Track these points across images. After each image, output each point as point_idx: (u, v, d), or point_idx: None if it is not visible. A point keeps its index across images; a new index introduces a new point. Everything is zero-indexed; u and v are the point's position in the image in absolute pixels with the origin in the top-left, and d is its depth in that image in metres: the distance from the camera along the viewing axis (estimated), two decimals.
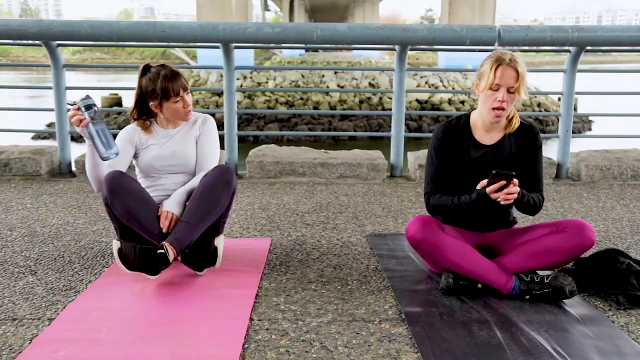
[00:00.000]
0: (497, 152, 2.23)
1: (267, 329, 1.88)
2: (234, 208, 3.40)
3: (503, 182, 2.00)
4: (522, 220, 3.13)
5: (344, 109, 19.23)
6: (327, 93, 19.42)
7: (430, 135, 2.35)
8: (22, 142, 5.59)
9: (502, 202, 2.03)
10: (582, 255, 2.30)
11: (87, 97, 2.14)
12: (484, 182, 2.05)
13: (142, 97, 2.39)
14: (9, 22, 4.22)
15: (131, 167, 2.46)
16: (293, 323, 1.93)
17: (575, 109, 4.62)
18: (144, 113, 2.43)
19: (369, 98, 19.68)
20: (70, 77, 4.65)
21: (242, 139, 7.71)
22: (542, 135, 2.33)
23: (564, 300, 2.11)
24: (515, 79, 2.08)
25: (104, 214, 3.18)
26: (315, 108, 19.15)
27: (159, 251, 2.09)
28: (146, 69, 2.38)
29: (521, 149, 2.24)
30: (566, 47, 4.23)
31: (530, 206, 2.16)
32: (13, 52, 59.54)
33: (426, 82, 21.51)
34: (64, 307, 2.04)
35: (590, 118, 19.67)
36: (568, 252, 2.10)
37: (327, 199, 3.70)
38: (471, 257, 2.13)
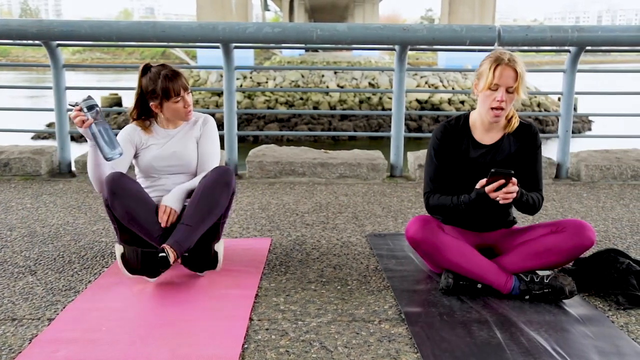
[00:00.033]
0: (496, 151, 2.23)
1: (267, 329, 1.88)
2: (234, 208, 3.40)
3: (502, 181, 2.00)
4: (522, 220, 3.13)
5: (343, 109, 19.23)
6: (327, 93, 19.43)
7: (430, 135, 2.35)
8: (22, 142, 5.59)
9: (501, 202, 2.03)
10: (582, 255, 2.30)
11: (89, 97, 2.13)
12: (483, 181, 2.05)
13: (143, 97, 2.38)
14: (8, 22, 4.22)
15: (131, 167, 2.45)
16: (293, 323, 1.93)
17: (575, 109, 4.62)
18: (144, 113, 2.42)
19: (368, 98, 19.68)
20: (70, 77, 4.65)
21: (242, 139, 7.71)
22: (542, 135, 2.34)
23: (563, 301, 2.11)
24: (514, 79, 2.08)
25: (103, 214, 3.18)
26: (315, 108, 19.15)
27: (160, 255, 2.08)
28: (146, 68, 2.37)
29: (520, 148, 2.24)
30: (566, 47, 4.23)
31: (530, 205, 2.16)
32: (13, 52, 59.54)
33: (426, 82, 21.52)
34: (64, 307, 2.04)
35: (590, 118, 19.68)
36: (568, 252, 2.10)
37: (327, 199, 3.70)
38: (471, 257, 2.13)
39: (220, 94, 17.73)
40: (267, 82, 20.86)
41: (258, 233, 2.97)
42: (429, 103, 19.65)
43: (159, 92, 2.31)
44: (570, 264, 2.36)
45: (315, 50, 31.66)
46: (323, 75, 21.23)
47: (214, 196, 2.24)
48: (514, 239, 2.26)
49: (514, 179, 2.01)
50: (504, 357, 1.71)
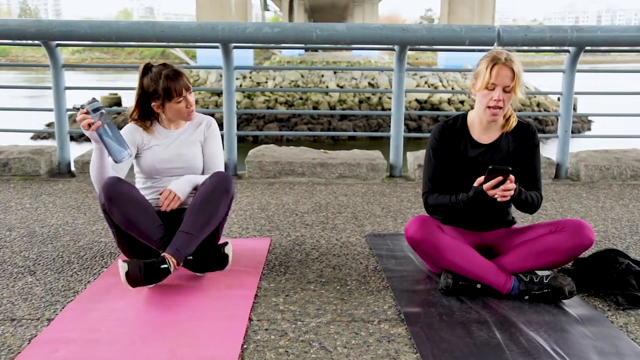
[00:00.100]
0: (494, 151, 2.23)
1: (266, 330, 1.88)
2: (233, 208, 3.39)
3: (500, 179, 2.00)
4: (522, 220, 3.13)
5: (343, 109, 19.23)
6: (326, 93, 19.42)
7: (429, 135, 2.35)
8: (21, 142, 5.59)
9: (499, 199, 2.03)
10: (581, 256, 2.30)
11: (94, 99, 2.10)
12: (481, 179, 2.05)
13: (144, 97, 2.34)
14: (8, 22, 4.22)
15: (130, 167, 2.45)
16: (292, 323, 1.93)
17: (574, 109, 4.62)
18: (145, 113, 2.39)
19: (368, 98, 19.68)
20: (70, 77, 4.64)
21: (241, 139, 7.71)
22: (541, 135, 2.34)
23: (563, 301, 2.11)
24: (511, 78, 2.08)
25: (102, 215, 3.18)
26: (314, 108, 19.16)
27: (162, 266, 2.08)
28: (147, 68, 2.33)
29: (519, 147, 2.24)
30: (565, 47, 4.23)
31: (529, 204, 2.16)
32: (12, 51, 59.51)
33: (425, 82, 21.53)
34: (63, 308, 2.04)
35: (590, 118, 19.68)
36: (567, 252, 2.11)
37: (327, 199, 3.70)
38: (470, 257, 2.13)
39: (219, 94, 17.74)
40: (266, 82, 20.86)
41: (257, 233, 2.97)
42: (428, 103, 19.66)
43: (160, 93, 2.28)
44: (570, 264, 2.36)
45: (315, 50, 31.67)
46: (323, 75, 21.24)
47: (213, 203, 2.22)
48: (513, 239, 2.26)
49: (512, 176, 2.01)
50: (503, 358, 1.71)
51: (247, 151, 4.56)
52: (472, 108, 2.28)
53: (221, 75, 4.52)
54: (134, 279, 2.04)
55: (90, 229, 3.00)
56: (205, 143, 2.47)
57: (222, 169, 2.48)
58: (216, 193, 2.24)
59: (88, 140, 2.24)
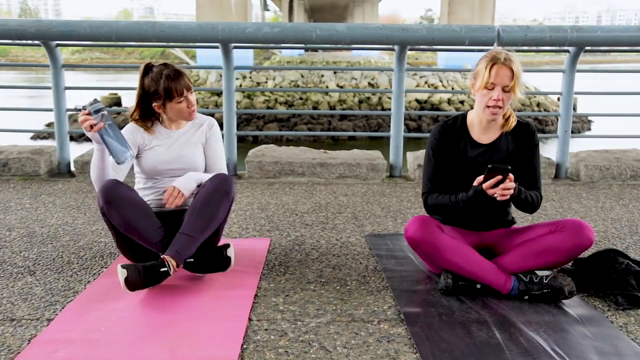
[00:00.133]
0: (494, 151, 2.23)
1: (266, 330, 1.88)
2: (233, 208, 3.39)
3: (499, 177, 2.00)
4: (521, 220, 3.13)
5: (343, 109, 19.23)
6: (326, 93, 19.42)
7: (429, 135, 2.35)
8: (21, 142, 5.59)
9: (498, 198, 2.03)
10: (581, 256, 2.30)
11: (96, 100, 2.09)
12: (480, 178, 2.05)
13: (144, 97, 2.33)
14: (7, 22, 4.22)
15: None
16: (292, 323, 1.93)
17: (574, 109, 4.62)
18: (146, 113, 2.37)
19: (368, 98, 19.68)
20: (70, 77, 4.64)
21: (241, 139, 7.71)
22: (541, 135, 2.34)
23: (562, 301, 2.11)
24: (510, 78, 2.08)
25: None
26: (314, 108, 19.16)
27: (162, 269, 2.08)
28: (148, 68, 2.32)
29: (518, 147, 2.24)
30: (565, 47, 4.23)
31: (529, 203, 2.16)
32: (12, 51, 59.51)
33: (425, 82, 21.53)
34: (63, 308, 2.04)
35: (590, 118, 19.68)
36: (567, 252, 2.11)
37: (326, 199, 3.70)
38: (470, 257, 2.13)
39: (219, 94, 17.74)
40: (266, 82, 20.86)
41: (257, 233, 2.97)
42: (428, 103, 19.66)
43: (161, 93, 2.27)
44: (570, 264, 2.36)
45: (315, 50, 31.67)
46: (322, 75, 21.23)
47: (214, 205, 2.22)
48: (513, 239, 2.26)
49: (511, 175, 2.01)
50: (503, 358, 1.71)
51: (247, 151, 4.56)
52: (472, 108, 2.28)
53: (221, 75, 4.52)
54: (132, 284, 2.03)
55: (90, 229, 3.00)
56: (207, 144, 2.46)
57: (225, 170, 2.48)
58: (216, 195, 2.23)
59: (88, 140, 2.24)
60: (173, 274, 2.11)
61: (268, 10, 63.15)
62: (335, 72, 21.43)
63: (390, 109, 4.45)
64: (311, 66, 24.56)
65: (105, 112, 2.09)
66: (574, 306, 2.08)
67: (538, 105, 20.45)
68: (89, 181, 4.09)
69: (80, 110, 2.08)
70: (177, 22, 4.39)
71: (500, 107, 2.12)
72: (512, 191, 2.02)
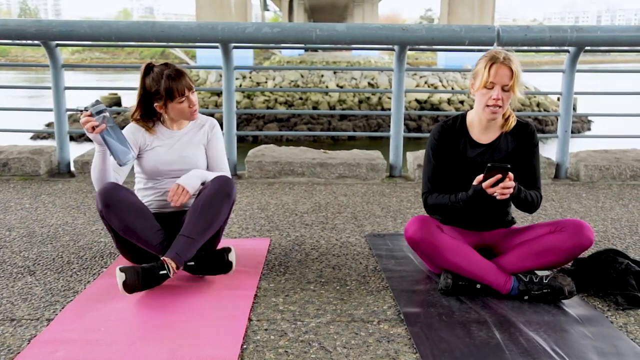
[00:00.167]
0: (494, 151, 2.23)
1: (266, 330, 1.88)
2: (233, 209, 3.39)
3: (499, 176, 2.00)
4: (521, 220, 3.13)
5: (343, 109, 19.23)
6: (326, 93, 19.42)
7: (429, 135, 2.35)
8: (21, 142, 5.59)
9: (498, 197, 2.02)
10: (581, 256, 2.30)
11: (98, 102, 2.09)
12: (480, 177, 2.05)
13: (146, 97, 2.31)
14: (7, 22, 4.22)
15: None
16: (292, 323, 1.93)
17: (574, 109, 4.62)
18: (147, 113, 2.36)
19: (368, 98, 19.68)
20: (69, 77, 4.64)
21: (241, 139, 7.71)
22: (541, 135, 2.34)
23: (562, 301, 2.11)
24: (509, 77, 2.08)
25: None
26: (314, 108, 19.16)
27: (161, 272, 2.08)
28: (149, 68, 2.30)
29: (518, 147, 2.24)
30: (565, 47, 4.23)
31: (528, 203, 2.16)
32: (12, 51, 59.50)
33: (425, 82, 21.53)
34: (63, 308, 2.04)
35: (590, 118, 19.70)
36: (567, 252, 2.11)
37: (326, 199, 3.70)
38: (470, 257, 2.13)
39: (219, 94, 17.73)
40: (266, 82, 20.86)
41: (257, 233, 2.97)
42: (428, 103, 19.67)
43: (162, 93, 2.25)
44: (569, 264, 2.36)
45: (315, 50, 31.67)
46: (322, 75, 21.23)
47: (215, 207, 2.21)
48: (513, 239, 2.26)
49: (511, 174, 2.01)
50: (502, 358, 1.71)
51: (246, 151, 4.56)
52: (471, 108, 2.28)
53: (221, 75, 4.52)
54: (131, 287, 2.04)
55: (90, 229, 3.00)
56: (208, 145, 2.45)
57: (228, 170, 2.47)
58: (218, 197, 2.22)
59: (88, 140, 2.24)
60: (173, 275, 2.11)
61: (268, 10, 63.17)
62: (335, 72, 21.43)
63: (390, 109, 4.45)
64: (311, 66, 24.56)
65: (107, 114, 2.09)
66: (573, 306, 2.08)
67: (538, 105, 20.46)
68: (88, 181, 4.09)
69: (82, 111, 2.07)
70: (177, 22, 4.39)
71: (500, 107, 2.12)
72: (511, 190, 2.02)
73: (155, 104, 2.31)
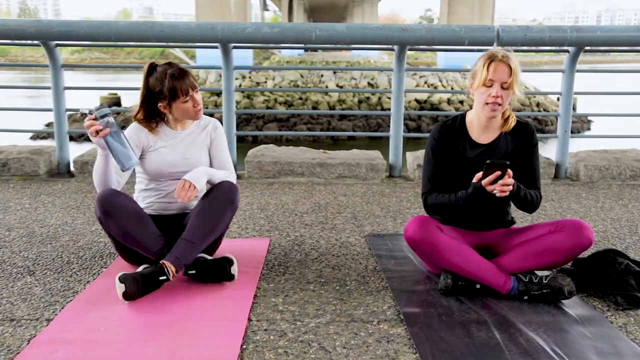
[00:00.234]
0: (493, 151, 2.23)
1: (266, 330, 1.88)
2: None
3: (498, 173, 2.00)
4: (521, 220, 3.13)
5: (343, 109, 19.23)
6: (326, 93, 19.42)
7: (429, 135, 2.35)
8: (21, 142, 5.58)
9: (497, 194, 2.02)
10: (581, 256, 2.30)
11: (102, 105, 2.06)
12: (479, 174, 2.05)
13: (149, 97, 2.29)
14: (7, 22, 4.22)
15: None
16: (291, 324, 1.93)
17: (574, 109, 4.63)
18: (151, 114, 2.33)
19: (367, 98, 19.68)
20: (69, 77, 4.64)
21: (240, 139, 7.70)
22: (540, 135, 2.34)
23: (562, 301, 2.11)
24: (508, 75, 2.08)
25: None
26: (314, 108, 19.17)
27: (160, 277, 2.08)
28: (152, 68, 2.28)
29: (517, 147, 2.24)
30: (565, 47, 4.23)
31: (528, 201, 2.16)
32: (11, 51, 59.48)
33: (425, 82, 21.54)
34: (62, 308, 2.04)
35: (589, 118, 19.70)
36: (566, 252, 2.11)
37: (326, 199, 3.70)
38: (469, 257, 2.13)
39: (219, 94, 17.72)
40: (266, 82, 20.86)
41: (257, 233, 2.97)
42: (428, 103, 19.67)
43: (166, 93, 2.23)
44: (569, 264, 2.36)
45: (315, 50, 31.67)
46: (322, 75, 21.23)
47: (218, 213, 2.21)
48: (512, 239, 2.26)
49: (510, 171, 2.01)
50: (502, 358, 1.71)
51: (246, 151, 4.56)
52: (471, 108, 2.28)
53: (220, 75, 4.52)
54: (131, 296, 2.04)
55: (90, 229, 3.00)
56: (212, 146, 2.43)
57: (233, 169, 2.45)
58: (221, 203, 2.22)
59: (87, 140, 2.23)
60: (172, 278, 2.10)
61: (267, 10, 63.19)
62: (334, 72, 21.43)
63: (389, 109, 4.45)
64: (311, 66, 24.55)
65: (112, 118, 2.07)
66: (573, 306, 2.08)
67: (538, 105, 20.46)
68: (88, 181, 4.09)
69: (85, 114, 2.06)
70: (177, 22, 4.39)
71: (499, 105, 2.12)
72: (511, 187, 2.02)
73: (159, 104, 2.28)
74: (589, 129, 19.39)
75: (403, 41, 4.14)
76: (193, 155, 2.37)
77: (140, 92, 2.31)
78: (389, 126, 4.51)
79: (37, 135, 15.61)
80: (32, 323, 1.93)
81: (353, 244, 2.80)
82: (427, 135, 2.40)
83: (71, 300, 2.10)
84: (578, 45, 4.13)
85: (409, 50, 4.46)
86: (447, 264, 2.14)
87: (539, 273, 2.19)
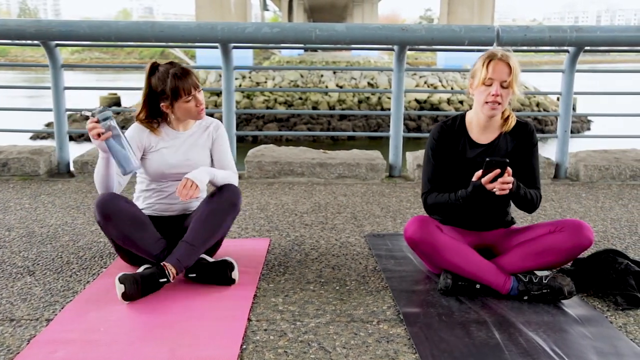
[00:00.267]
0: (493, 151, 2.23)
1: (266, 330, 1.88)
2: None
3: (497, 171, 2.00)
4: (521, 220, 3.13)
5: (342, 109, 19.23)
6: (326, 93, 19.42)
7: (429, 135, 2.35)
8: (21, 142, 5.58)
9: (497, 192, 2.02)
10: (581, 256, 2.30)
11: (105, 108, 2.06)
12: (479, 173, 2.05)
13: (151, 97, 2.27)
14: (7, 22, 4.22)
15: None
16: (291, 324, 1.93)
17: (574, 109, 4.63)
18: (153, 114, 2.32)
19: (367, 98, 19.68)
20: (69, 77, 4.64)
21: (240, 139, 7.71)
22: (540, 135, 2.34)
23: (562, 301, 2.11)
24: (507, 73, 2.08)
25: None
26: (314, 108, 19.16)
27: (160, 280, 2.08)
28: (154, 68, 2.26)
29: (517, 146, 2.24)
30: (565, 47, 4.24)
31: (528, 201, 2.16)
32: (11, 51, 59.48)
33: (425, 82, 21.54)
34: (62, 308, 2.04)
35: (589, 118, 19.70)
36: (566, 252, 2.11)
37: (326, 199, 3.70)
38: (469, 257, 2.13)
39: (219, 94, 17.71)
40: (266, 82, 20.86)
41: (257, 233, 2.97)
42: (428, 103, 19.67)
43: (168, 92, 2.21)
44: (569, 264, 2.36)
45: (314, 50, 31.66)
46: (322, 75, 21.23)
47: (220, 217, 2.21)
48: (512, 239, 2.26)
49: (509, 169, 2.01)
50: (502, 358, 1.71)
51: (246, 151, 4.56)
52: (471, 108, 2.28)
53: (220, 75, 4.52)
54: (130, 297, 2.04)
55: (90, 229, 3.00)
56: (214, 146, 2.42)
57: (235, 169, 2.44)
58: (224, 207, 2.22)
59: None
60: (173, 280, 2.10)
61: (267, 10, 63.19)
62: (334, 72, 21.43)
63: (389, 109, 4.45)
64: (310, 66, 24.55)
65: (114, 122, 2.06)
66: (573, 306, 2.08)
67: (537, 105, 20.46)
68: (88, 181, 4.09)
69: (87, 117, 2.04)
70: (177, 22, 4.39)
71: (499, 103, 2.11)
72: (510, 185, 2.02)
73: (162, 104, 2.26)
74: (588, 129, 19.39)
75: (403, 41, 4.14)
76: (195, 156, 2.36)
77: (143, 92, 2.29)
78: (388, 126, 4.51)
79: (37, 135, 15.61)
80: (31, 323, 1.93)
81: (353, 244, 2.80)
82: (427, 135, 2.40)
83: (71, 301, 2.10)
84: (578, 45, 4.13)
85: (409, 50, 4.46)
86: (447, 264, 2.14)
87: (539, 273, 2.19)
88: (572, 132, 4.43)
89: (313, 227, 3.08)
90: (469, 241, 2.28)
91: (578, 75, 4.37)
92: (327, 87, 20.48)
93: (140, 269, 2.17)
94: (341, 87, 20.64)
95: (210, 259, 2.29)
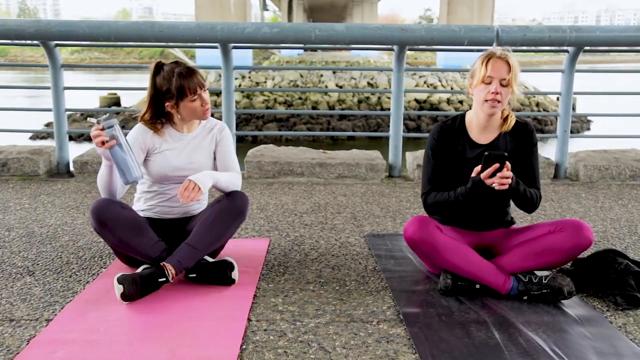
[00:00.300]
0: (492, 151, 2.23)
1: (265, 330, 1.88)
2: None
3: (497, 166, 2.00)
4: (521, 220, 3.13)
5: (342, 109, 19.23)
6: (325, 93, 19.42)
7: (428, 135, 2.35)
8: (20, 142, 5.58)
9: (497, 187, 2.02)
10: (580, 256, 2.30)
11: (110, 116, 2.03)
12: (478, 168, 2.05)
13: (157, 96, 2.24)
14: (6, 22, 4.22)
15: None
16: (291, 324, 1.93)
17: (573, 109, 4.63)
18: (158, 114, 2.29)
19: (367, 98, 19.69)
20: (69, 77, 4.64)
21: (240, 139, 7.70)
22: (540, 135, 2.34)
23: (562, 301, 2.11)
24: (507, 71, 2.09)
25: None
26: (313, 108, 19.17)
27: (160, 279, 2.07)
28: (159, 67, 2.24)
29: (517, 146, 2.24)
30: (564, 47, 4.24)
31: (528, 199, 2.16)
32: (11, 51, 59.47)
33: (425, 82, 21.54)
34: (62, 308, 2.04)
35: (589, 118, 19.71)
36: (566, 252, 2.11)
37: (326, 199, 3.70)
38: (469, 257, 2.13)
39: (218, 94, 17.68)
40: (265, 82, 20.86)
41: (256, 233, 2.97)
42: (427, 103, 19.68)
43: (174, 92, 2.18)
44: (569, 264, 2.36)
45: (314, 50, 31.66)
46: (322, 75, 21.23)
47: (226, 223, 2.21)
48: (512, 239, 2.26)
49: (508, 164, 2.01)
50: (502, 358, 1.71)
51: (246, 151, 4.56)
52: (471, 107, 2.28)
53: (220, 75, 4.52)
54: (129, 297, 2.04)
55: (89, 229, 3.00)
56: (218, 148, 2.39)
57: (239, 171, 2.42)
58: (231, 214, 2.21)
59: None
60: (172, 280, 2.10)
61: (267, 10, 63.19)
62: (334, 72, 21.43)
63: (389, 109, 4.45)
64: (310, 66, 24.55)
65: (118, 130, 2.04)
66: (573, 306, 2.08)
67: (537, 105, 20.47)
68: (88, 181, 4.09)
69: (93, 124, 2.03)
70: (176, 22, 4.39)
71: (499, 102, 2.11)
72: (510, 180, 2.02)
73: (167, 104, 2.23)
74: (588, 129, 19.39)
75: (403, 41, 4.14)
76: (198, 158, 2.33)
77: (148, 92, 2.26)
78: (388, 126, 4.51)
79: (37, 135, 15.59)
80: (31, 323, 1.92)
81: (353, 244, 2.80)
82: (427, 135, 2.40)
83: (71, 301, 2.10)
84: (577, 45, 4.13)
85: (409, 50, 4.46)
86: (446, 264, 2.14)
87: (539, 273, 2.19)
88: (571, 132, 4.43)
89: (313, 227, 3.08)
90: (469, 241, 2.28)
91: (578, 75, 4.37)
92: (326, 87, 20.48)
93: (140, 269, 2.17)
94: (341, 87, 20.64)
95: (211, 259, 2.29)
